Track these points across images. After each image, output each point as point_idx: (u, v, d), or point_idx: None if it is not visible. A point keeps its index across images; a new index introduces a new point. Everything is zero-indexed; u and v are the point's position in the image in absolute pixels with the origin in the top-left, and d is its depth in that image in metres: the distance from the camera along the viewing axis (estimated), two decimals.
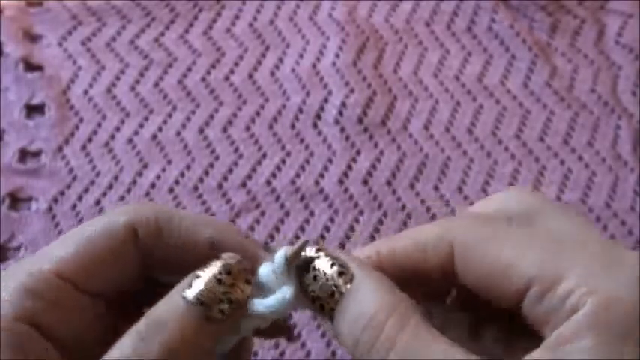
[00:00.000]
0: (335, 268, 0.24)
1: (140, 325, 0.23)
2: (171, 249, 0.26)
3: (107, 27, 0.56)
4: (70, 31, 0.56)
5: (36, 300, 0.24)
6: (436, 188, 0.51)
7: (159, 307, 0.23)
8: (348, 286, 0.23)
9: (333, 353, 0.44)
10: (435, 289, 0.27)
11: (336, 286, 0.24)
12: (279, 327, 0.28)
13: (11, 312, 0.23)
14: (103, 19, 0.57)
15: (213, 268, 0.24)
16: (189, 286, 0.23)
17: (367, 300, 0.23)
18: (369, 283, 0.24)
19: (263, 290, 0.25)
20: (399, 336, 0.22)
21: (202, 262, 0.24)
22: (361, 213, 0.49)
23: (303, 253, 0.25)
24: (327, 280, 0.24)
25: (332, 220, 0.49)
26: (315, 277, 0.24)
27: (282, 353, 0.44)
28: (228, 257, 0.24)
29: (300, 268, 0.24)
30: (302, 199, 0.50)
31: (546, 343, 0.22)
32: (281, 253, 0.25)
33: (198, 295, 0.23)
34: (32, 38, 0.56)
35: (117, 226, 0.25)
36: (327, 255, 0.24)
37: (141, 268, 0.26)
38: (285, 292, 0.24)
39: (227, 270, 0.23)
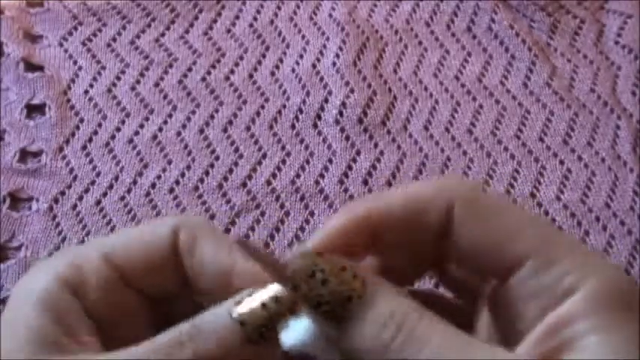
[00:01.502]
0: (348, 272, 0.23)
1: (182, 326, 0.24)
2: (198, 264, 0.26)
3: (107, 27, 0.56)
4: (71, 31, 0.56)
5: (81, 275, 0.24)
6: None
7: (205, 315, 0.24)
8: (365, 290, 0.23)
9: None
10: (424, 258, 0.27)
11: (352, 289, 0.23)
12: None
13: (57, 279, 0.24)
14: (103, 19, 0.57)
15: (264, 292, 0.24)
16: (239, 302, 0.24)
17: (386, 301, 0.23)
18: (382, 287, 0.24)
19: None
20: (435, 335, 0.22)
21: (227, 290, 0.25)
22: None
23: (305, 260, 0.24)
24: (340, 284, 0.23)
25: None
26: (324, 282, 0.23)
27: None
28: (279, 285, 0.24)
29: (302, 272, 0.24)
30: (302, 199, 0.50)
31: (546, 324, 0.22)
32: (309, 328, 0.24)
33: (242, 314, 0.23)
34: (32, 38, 0.56)
35: (164, 231, 0.26)
36: (334, 260, 0.24)
37: (180, 275, 0.26)
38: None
39: (275, 297, 0.24)
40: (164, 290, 0.26)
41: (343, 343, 0.23)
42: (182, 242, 0.26)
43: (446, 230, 0.24)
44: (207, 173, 0.51)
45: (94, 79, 0.54)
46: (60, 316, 0.23)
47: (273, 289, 0.24)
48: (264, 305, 0.24)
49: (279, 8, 0.58)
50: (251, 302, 0.24)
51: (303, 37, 0.57)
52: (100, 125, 0.52)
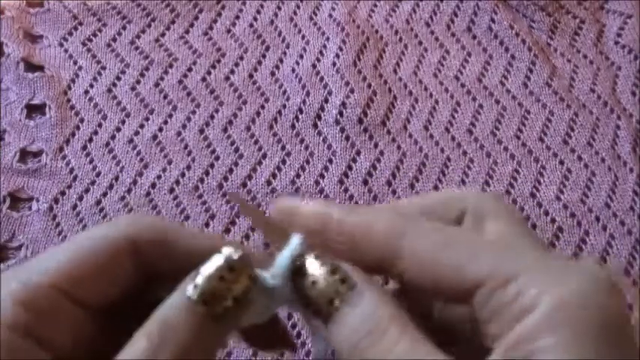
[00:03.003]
0: (337, 275, 0.24)
1: (151, 327, 0.23)
2: (172, 262, 0.25)
3: (107, 27, 0.57)
4: (71, 31, 0.56)
5: (30, 312, 0.23)
6: (436, 188, 0.51)
7: (166, 308, 0.23)
8: (350, 293, 0.24)
9: (333, 353, 0.44)
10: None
11: (337, 293, 0.24)
12: (283, 339, 0.28)
13: (6, 324, 0.23)
14: (103, 19, 0.57)
15: (214, 264, 0.23)
16: (193, 284, 0.23)
17: (370, 308, 0.23)
18: (370, 293, 0.24)
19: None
20: (400, 342, 0.23)
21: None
22: None
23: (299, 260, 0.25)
24: (328, 286, 0.24)
25: None
26: (313, 283, 0.24)
27: (282, 353, 0.44)
28: (231, 251, 0.24)
29: (294, 273, 0.24)
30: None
31: (505, 343, 0.22)
32: (284, 261, 0.24)
33: (201, 295, 0.23)
34: (32, 38, 0.56)
35: (116, 240, 0.25)
36: (326, 261, 0.24)
37: (139, 280, 0.26)
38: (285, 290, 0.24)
39: (230, 266, 0.23)
40: (119, 300, 0.26)
41: (328, 340, 0.24)
42: (148, 245, 0.25)
43: (389, 264, 0.25)
44: (207, 173, 0.51)
45: (94, 79, 0.54)
46: None
47: (226, 257, 0.23)
48: (221, 277, 0.23)
49: (279, 8, 0.58)
50: (206, 278, 0.23)
51: (303, 37, 0.57)
52: (100, 125, 0.52)
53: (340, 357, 0.24)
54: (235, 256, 0.23)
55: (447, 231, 0.25)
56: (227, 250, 0.23)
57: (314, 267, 0.24)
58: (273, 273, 0.25)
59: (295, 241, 0.25)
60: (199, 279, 0.23)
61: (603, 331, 0.21)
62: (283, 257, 0.25)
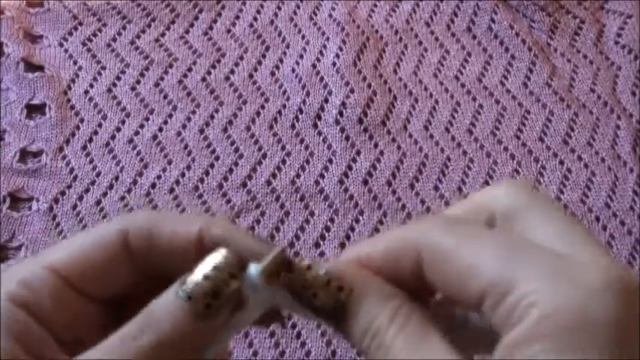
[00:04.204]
0: (333, 284, 0.24)
1: (137, 317, 0.24)
2: (163, 250, 0.26)
3: (107, 27, 0.57)
4: (71, 31, 0.56)
5: (33, 291, 0.24)
6: (436, 188, 0.51)
7: (153, 303, 0.24)
8: (350, 299, 0.24)
9: (333, 353, 0.44)
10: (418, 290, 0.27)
11: (337, 301, 0.24)
12: (273, 314, 0.28)
13: (7, 297, 0.24)
14: (103, 19, 0.57)
15: (203, 265, 0.24)
16: (183, 282, 0.24)
17: (369, 312, 0.24)
18: (368, 293, 0.24)
19: (259, 282, 0.25)
20: (397, 340, 0.23)
21: (196, 259, 0.25)
22: (361, 213, 0.49)
23: (297, 267, 0.25)
24: (327, 297, 0.24)
25: (332, 220, 0.49)
26: (314, 295, 0.24)
27: (282, 353, 0.44)
28: (217, 253, 0.24)
29: (294, 286, 0.25)
30: (302, 199, 0.50)
31: (498, 351, 0.22)
32: (254, 272, 0.24)
33: (186, 291, 0.24)
34: (32, 38, 0.56)
35: (110, 233, 0.26)
36: (319, 271, 0.25)
37: (136, 273, 0.26)
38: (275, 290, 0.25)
39: (214, 265, 0.24)
40: (117, 291, 0.27)
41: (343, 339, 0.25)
42: (137, 237, 0.26)
43: (420, 277, 0.25)
44: (207, 173, 0.51)
45: (94, 79, 0.54)
46: (18, 336, 0.23)
47: (214, 259, 0.24)
48: (205, 277, 0.24)
49: (279, 8, 0.58)
50: (194, 276, 0.24)
51: (303, 37, 0.57)
52: (100, 125, 0.52)
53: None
54: (220, 256, 0.24)
55: (459, 231, 0.24)
56: (216, 251, 0.24)
57: (310, 279, 0.25)
58: (259, 279, 0.25)
59: (275, 251, 0.25)
60: (187, 276, 0.24)
61: (596, 341, 0.21)
62: (253, 276, 0.25)
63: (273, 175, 0.51)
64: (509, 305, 0.22)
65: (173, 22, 0.57)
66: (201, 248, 0.25)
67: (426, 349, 0.23)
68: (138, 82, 0.54)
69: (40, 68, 0.54)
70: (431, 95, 0.55)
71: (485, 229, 0.25)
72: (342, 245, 0.48)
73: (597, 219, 0.50)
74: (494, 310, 0.22)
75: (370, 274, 0.25)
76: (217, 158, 0.51)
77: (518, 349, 0.21)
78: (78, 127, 0.52)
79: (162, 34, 0.57)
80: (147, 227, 0.26)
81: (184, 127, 0.53)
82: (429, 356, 0.23)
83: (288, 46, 0.56)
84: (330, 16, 0.57)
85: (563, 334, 0.21)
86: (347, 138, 0.52)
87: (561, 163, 0.52)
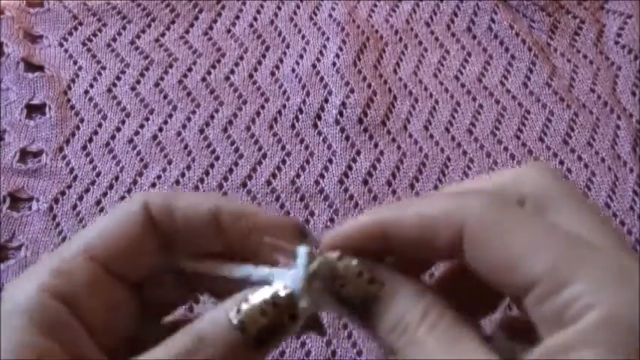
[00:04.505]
0: (365, 276, 0.24)
1: (188, 333, 0.23)
2: (180, 225, 0.26)
3: (107, 27, 0.57)
4: (71, 31, 0.56)
5: (67, 279, 0.24)
6: (436, 188, 0.51)
7: (205, 322, 0.24)
8: (380, 293, 0.24)
9: (333, 353, 0.44)
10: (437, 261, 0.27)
11: (367, 294, 0.24)
12: (311, 322, 0.28)
13: (44, 290, 0.23)
14: (103, 19, 0.57)
15: (261, 295, 0.24)
16: (238, 307, 0.24)
17: (400, 306, 0.23)
18: (400, 289, 0.24)
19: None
20: (429, 339, 0.22)
21: (208, 239, 0.25)
22: (361, 213, 0.49)
23: (325, 260, 0.24)
24: (357, 289, 0.24)
25: (332, 220, 0.49)
26: (342, 286, 0.24)
27: (282, 353, 0.44)
28: (280, 287, 0.24)
29: (324, 275, 0.24)
30: (302, 199, 0.50)
31: (542, 350, 0.21)
32: (302, 268, 0.24)
33: (241, 322, 0.23)
34: (32, 38, 0.56)
35: (134, 208, 0.26)
36: (351, 263, 0.24)
37: (160, 251, 0.26)
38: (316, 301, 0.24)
39: (274, 302, 0.23)
40: (145, 271, 0.26)
41: (368, 333, 0.24)
42: (157, 208, 0.26)
43: (457, 252, 0.24)
44: (207, 173, 0.51)
45: (94, 79, 0.54)
46: (51, 328, 0.23)
47: (270, 291, 0.24)
48: (263, 312, 0.23)
49: (279, 8, 0.58)
50: (250, 307, 0.23)
51: (303, 37, 0.57)
52: (100, 125, 0.52)
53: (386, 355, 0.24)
54: (283, 294, 0.24)
55: (511, 214, 0.23)
56: (277, 285, 0.24)
57: (341, 269, 0.24)
58: (295, 292, 0.24)
59: (302, 251, 0.24)
60: (244, 306, 0.23)
61: None
62: (298, 272, 0.24)
63: (273, 175, 0.51)
64: (561, 303, 0.21)
65: (173, 22, 0.57)
66: (217, 229, 0.25)
67: (460, 349, 0.22)
68: (138, 82, 0.54)
69: (40, 68, 0.54)
70: (431, 95, 0.55)
71: (538, 217, 0.23)
72: None
73: None
74: (541, 304, 0.21)
75: (400, 273, 0.24)
76: (217, 158, 0.51)
77: (573, 351, 0.20)
78: (78, 127, 0.52)
79: (163, 34, 0.57)
80: (166, 202, 0.26)
81: (184, 127, 0.53)
82: (465, 356, 0.22)
83: (288, 46, 0.56)
84: (330, 16, 0.57)
85: (622, 342, 0.20)
86: (347, 138, 0.52)
87: (561, 163, 0.52)
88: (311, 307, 0.24)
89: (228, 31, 0.57)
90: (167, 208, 0.26)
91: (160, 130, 0.52)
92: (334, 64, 0.55)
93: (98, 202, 0.49)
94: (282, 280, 0.24)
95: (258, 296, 0.24)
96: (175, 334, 0.23)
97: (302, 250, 0.24)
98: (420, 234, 0.24)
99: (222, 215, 0.26)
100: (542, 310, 0.21)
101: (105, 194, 0.50)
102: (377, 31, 0.57)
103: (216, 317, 0.24)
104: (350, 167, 0.51)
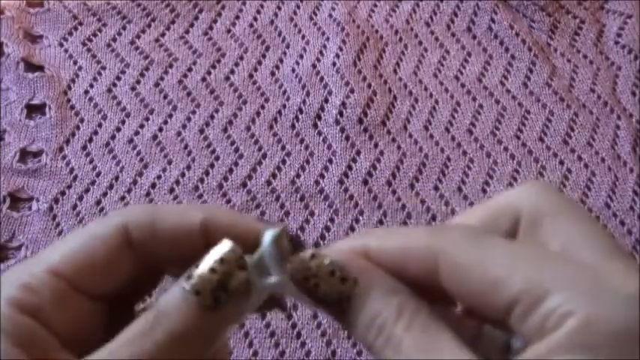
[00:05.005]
0: (337, 275, 0.24)
1: (147, 313, 0.24)
2: (167, 241, 0.26)
3: (107, 27, 0.57)
4: (71, 31, 0.56)
5: (34, 295, 0.24)
6: (436, 188, 0.51)
7: (163, 298, 0.24)
8: (354, 291, 0.24)
9: (333, 353, 0.44)
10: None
11: (341, 293, 0.24)
12: (274, 300, 0.28)
13: (7, 301, 0.23)
14: (103, 19, 0.57)
15: (209, 257, 0.24)
16: (189, 276, 0.24)
17: (375, 304, 0.24)
18: (373, 286, 0.24)
19: (264, 267, 0.25)
20: (406, 337, 0.23)
21: (200, 249, 0.25)
22: (361, 213, 0.49)
23: (299, 257, 0.25)
24: (331, 287, 0.24)
25: (332, 220, 0.49)
26: (316, 286, 0.24)
27: (282, 353, 0.44)
28: (222, 245, 0.24)
29: (297, 276, 0.24)
30: (302, 199, 0.50)
31: (523, 356, 0.21)
32: (268, 240, 0.25)
33: (194, 286, 0.24)
34: (32, 38, 0.56)
35: (108, 228, 0.26)
36: (323, 261, 0.24)
37: (138, 267, 0.26)
38: (281, 278, 0.25)
39: (220, 258, 0.24)
40: (118, 286, 0.26)
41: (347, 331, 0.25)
42: (138, 228, 0.25)
43: (435, 283, 0.24)
44: (207, 173, 0.51)
45: (94, 79, 0.54)
46: (22, 341, 0.23)
47: (219, 250, 0.24)
48: (212, 270, 0.24)
49: (279, 8, 0.58)
50: (200, 270, 0.24)
51: (303, 37, 0.57)
52: (100, 125, 0.52)
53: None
54: (226, 248, 0.24)
55: (484, 244, 0.24)
56: (220, 243, 0.24)
57: (313, 268, 0.24)
58: (261, 268, 0.25)
59: (269, 233, 0.25)
60: (193, 270, 0.24)
61: (632, 353, 0.20)
62: (264, 250, 0.25)
63: (273, 175, 0.51)
64: (542, 314, 0.21)
65: (173, 22, 0.57)
66: (207, 238, 0.25)
67: (438, 347, 0.22)
68: (138, 82, 0.54)
69: (40, 68, 0.54)
70: (431, 95, 0.55)
71: (511, 241, 0.24)
72: None
73: (597, 219, 0.50)
74: (525, 319, 0.22)
75: (375, 268, 0.25)
76: (217, 158, 0.51)
77: (554, 356, 0.21)
78: (78, 127, 0.52)
79: (163, 34, 0.57)
80: (148, 219, 0.26)
81: (184, 127, 0.53)
82: (443, 355, 0.22)
83: (288, 46, 0.56)
84: (330, 16, 0.57)
85: (600, 345, 0.20)
86: (347, 138, 0.52)
87: (561, 163, 0.52)
88: (277, 285, 0.25)
89: (228, 31, 0.57)
90: (149, 226, 0.26)
91: (160, 130, 0.52)
92: (334, 64, 0.55)
93: (98, 202, 0.49)
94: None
95: (205, 259, 0.24)
96: (137, 318, 0.24)
97: (269, 232, 0.25)
98: (399, 264, 0.25)
99: (212, 226, 0.26)
100: (526, 326, 0.22)
101: (105, 194, 0.50)
102: (377, 31, 0.57)
103: (171, 291, 0.24)
104: (350, 167, 0.51)
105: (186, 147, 0.52)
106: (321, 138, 0.52)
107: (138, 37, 0.56)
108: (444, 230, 0.25)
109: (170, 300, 0.24)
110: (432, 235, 0.25)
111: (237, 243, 0.25)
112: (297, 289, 0.25)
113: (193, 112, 0.53)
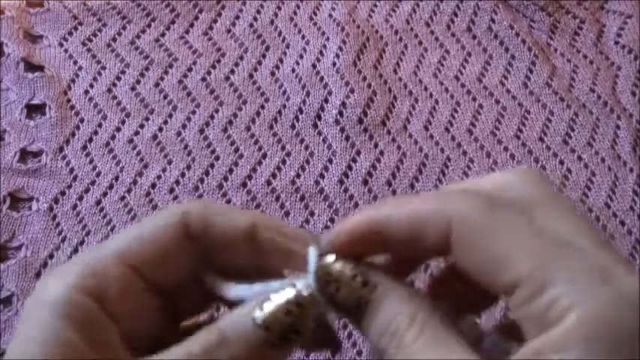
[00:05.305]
0: (358, 279, 0.24)
1: (209, 332, 0.24)
2: (216, 239, 0.26)
3: (107, 27, 0.57)
4: (71, 31, 0.56)
5: (100, 279, 0.24)
6: (436, 188, 0.51)
7: (228, 321, 0.24)
8: (372, 296, 0.24)
9: (333, 353, 0.44)
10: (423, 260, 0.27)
11: (360, 297, 0.24)
12: (328, 338, 0.28)
13: (76, 287, 0.24)
14: (103, 19, 0.57)
15: (285, 295, 0.24)
16: (260, 307, 0.24)
17: (390, 310, 0.24)
18: (390, 293, 0.24)
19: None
20: (418, 342, 0.23)
21: (244, 254, 0.25)
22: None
23: (321, 263, 0.25)
24: (351, 291, 0.24)
25: (332, 220, 0.49)
26: (337, 290, 0.24)
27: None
28: (302, 287, 0.24)
29: (319, 278, 0.25)
30: (302, 199, 0.50)
31: (524, 351, 0.22)
32: (314, 260, 0.24)
33: (265, 321, 0.24)
34: (33, 38, 0.56)
35: (172, 218, 0.26)
36: (345, 266, 0.24)
37: (195, 261, 0.26)
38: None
39: (298, 302, 0.24)
40: (178, 280, 0.27)
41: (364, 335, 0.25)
42: (195, 222, 0.26)
43: (445, 251, 0.24)
44: (207, 173, 0.51)
45: (94, 79, 0.54)
46: (83, 326, 0.23)
47: (293, 291, 0.24)
48: (288, 311, 0.24)
49: (279, 8, 0.58)
50: (274, 307, 0.24)
51: (303, 37, 0.57)
52: (100, 125, 0.52)
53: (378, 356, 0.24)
54: (305, 293, 0.24)
55: (500, 216, 0.23)
56: (300, 285, 0.24)
57: (335, 273, 0.24)
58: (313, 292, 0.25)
59: (312, 253, 0.25)
60: (267, 306, 0.24)
61: (630, 352, 0.20)
62: (312, 274, 0.25)
63: (273, 175, 0.51)
64: (544, 304, 0.21)
65: (173, 22, 0.57)
66: (252, 243, 0.26)
67: (446, 352, 0.22)
68: (138, 82, 0.54)
69: (40, 68, 0.54)
70: (431, 95, 0.55)
71: (524, 217, 0.24)
72: None
73: (597, 219, 0.50)
74: (527, 304, 0.22)
75: (391, 275, 0.25)
76: (217, 158, 0.51)
77: (555, 353, 0.21)
78: (78, 127, 0.52)
79: (163, 34, 0.57)
80: (204, 214, 0.26)
81: (184, 127, 0.53)
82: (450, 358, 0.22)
83: (288, 46, 0.56)
84: (330, 16, 0.57)
85: (601, 341, 0.20)
86: (347, 138, 0.52)
87: (561, 163, 0.52)
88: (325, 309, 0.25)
89: (228, 31, 0.57)
90: (205, 222, 0.26)
91: (160, 130, 0.52)
92: (334, 64, 0.55)
93: (98, 202, 0.49)
94: (301, 283, 0.25)
95: (281, 296, 0.24)
96: (198, 333, 0.24)
97: (312, 252, 0.25)
98: (409, 233, 0.24)
99: (259, 231, 0.26)
100: (526, 310, 0.22)
101: (105, 194, 0.50)
102: (377, 31, 0.57)
103: (239, 316, 0.24)
104: (350, 167, 0.51)
105: (186, 147, 0.52)
106: (321, 138, 0.52)
107: (138, 37, 0.56)
108: (456, 195, 0.25)
109: (238, 327, 0.24)
110: (445, 200, 0.24)
111: (283, 256, 0.25)
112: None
113: (193, 112, 0.53)
